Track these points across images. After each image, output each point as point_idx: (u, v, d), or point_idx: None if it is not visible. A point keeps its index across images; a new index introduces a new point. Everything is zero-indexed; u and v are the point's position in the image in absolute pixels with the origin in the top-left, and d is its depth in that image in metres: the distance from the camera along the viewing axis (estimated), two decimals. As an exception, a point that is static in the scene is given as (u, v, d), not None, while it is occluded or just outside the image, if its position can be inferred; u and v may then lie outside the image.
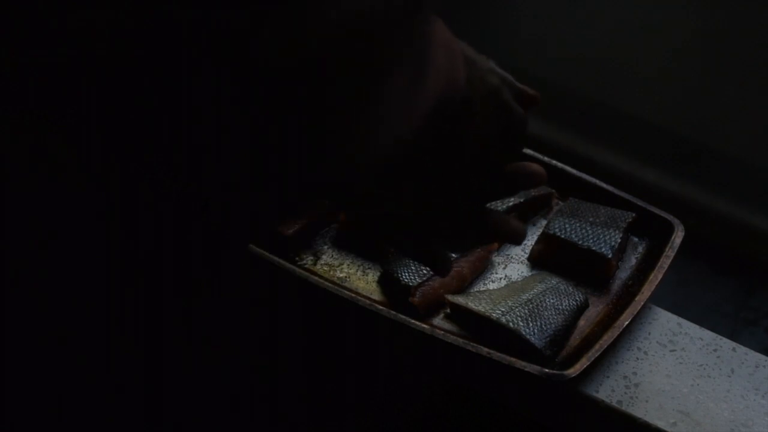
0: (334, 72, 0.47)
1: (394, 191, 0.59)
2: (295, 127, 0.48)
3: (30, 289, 0.55)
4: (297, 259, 1.01)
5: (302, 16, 0.45)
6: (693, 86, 1.29)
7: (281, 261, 0.97)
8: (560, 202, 1.08)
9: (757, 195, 1.28)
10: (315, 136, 0.49)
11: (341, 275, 1.00)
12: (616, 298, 0.99)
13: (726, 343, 0.96)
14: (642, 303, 0.95)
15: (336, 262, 1.02)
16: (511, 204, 1.04)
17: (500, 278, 1.02)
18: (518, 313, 0.93)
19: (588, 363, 0.89)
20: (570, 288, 0.97)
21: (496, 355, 0.90)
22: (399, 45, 0.49)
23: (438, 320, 0.96)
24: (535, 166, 0.64)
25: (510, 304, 0.94)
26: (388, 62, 0.49)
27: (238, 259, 0.63)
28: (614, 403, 0.90)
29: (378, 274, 1.00)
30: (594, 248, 1.00)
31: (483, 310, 0.93)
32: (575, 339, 0.94)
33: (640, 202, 1.06)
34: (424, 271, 0.97)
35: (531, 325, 0.92)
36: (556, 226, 1.02)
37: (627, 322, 0.93)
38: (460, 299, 0.95)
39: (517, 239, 0.66)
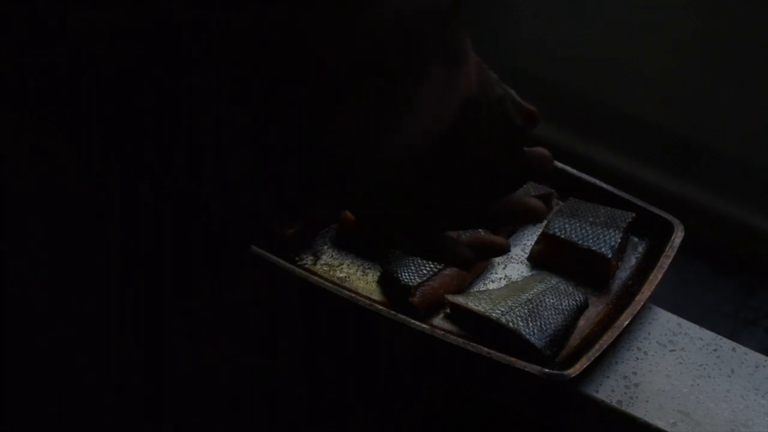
0: (375, 70, 0.47)
1: (394, 191, 0.59)
2: (297, 127, 0.48)
3: (30, 289, 0.55)
4: (297, 259, 1.01)
5: (354, 15, 0.45)
6: (693, 86, 1.29)
7: (281, 261, 0.97)
8: (560, 202, 1.08)
9: (757, 195, 1.28)
10: (320, 136, 0.49)
11: (341, 275, 1.00)
12: (616, 298, 0.99)
13: (726, 343, 0.96)
14: (642, 303, 0.95)
15: (336, 262, 1.02)
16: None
17: (500, 278, 1.02)
18: (518, 313, 0.93)
19: (588, 363, 0.89)
20: (570, 288, 0.97)
21: (496, 355, 0.90)
22: (439, 45, 0.49)
23: (438, 320, 0.96)
24: (540, 149, 0.63)
25: (510, 304, 0.94)
26: (426, 63, 0.49)
27: (238, 259, 0.63)
28: (614, 403, 0.90)
29: (378, 274, 1.00)
30: (594, 248, 1.00)
31: (483, 310, 0.93)
32: (575, 339, 0.94)
33: (640, 202, 1.06)
34: (424, 271, 0.97)
35: (531, 325, 0.92)
36: (556, 226, 1.02)
37: (627, 322, 0.93)
38: (460, 299, 0.95)
39: (538, 216, 0.65)
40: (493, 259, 1.03)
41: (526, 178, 0.63)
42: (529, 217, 0.65)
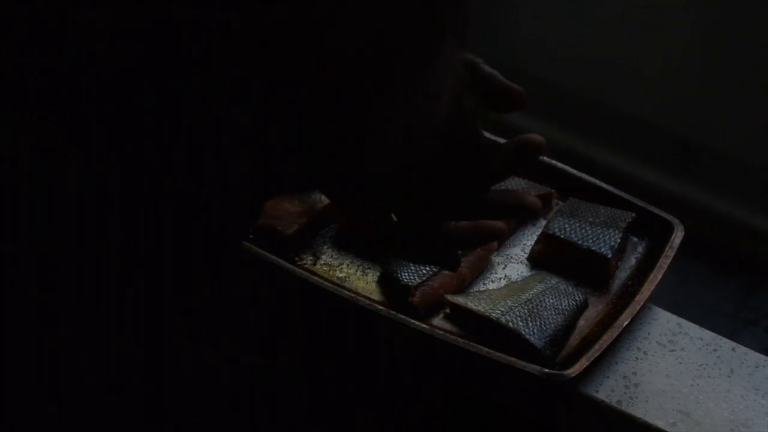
0: (375, 70, 0.47)
1: (394, 191, 0.59)
2: (297, 127, 0.48)
3: (30, 289, 0.55)
4: (297, 259, 1.01)
5: (355, 14, 0.45)
6: (693, 86, 1.29)
7: (281, 261, 0.97)
8: (560, 202, 1.08)
9: (757, 195, 1.28)
10: (320, 136, 0.49)
11: (341, 275, 1.00)
12: (615, 298, 0.99)
13: (726, 343, 0.96)
14: (642, 303, 0.95)
15: (336, 262, 1.02)
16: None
17: (500, 278, 1.02)
18: (518, 313, 0.93)
19: (588, 363, 0.89)
20: (570, 288, 0.97)
21: (496, 355, 0.90)
22: (443, 42, 0.49)
23: (438, 320, 0.96)
24: (534, 136, 0.63)
25: (510, 303, 0.94)
26: (429, 63, 0.49)
27: (238, 259, 0.63)
28: (614, 403, 0.90)
29: (378, 274, 1.00)
30: (594, 248, 1.00)
31: (483, 310, 0.93)
32: (575, 339, 0.94)
33: (640, 202, 1.06)
34: (424, 271, 0.97)
35: (531, 324, 0.92)
36: (556, 226, 1.02)
37: (627, 322, 0.93)
38: (459, 299, 0.95)
39: (532, 211, 0.65)
40: (493, 259, 1.03)
41: (517, 167, 0.63)
42: (524, 211, 0.65)
